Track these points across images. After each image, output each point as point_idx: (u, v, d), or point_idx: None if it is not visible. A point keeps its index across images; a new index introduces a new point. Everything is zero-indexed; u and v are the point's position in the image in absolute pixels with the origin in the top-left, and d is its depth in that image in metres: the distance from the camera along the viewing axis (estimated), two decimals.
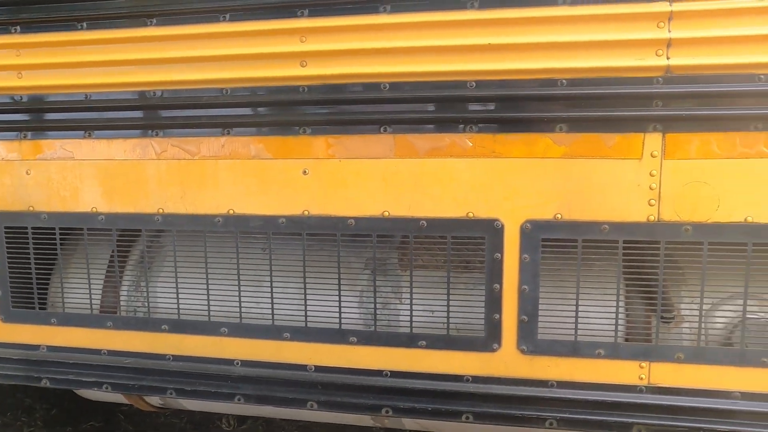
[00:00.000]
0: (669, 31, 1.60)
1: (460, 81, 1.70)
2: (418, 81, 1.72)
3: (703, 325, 1.71)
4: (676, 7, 1.58)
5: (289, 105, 1.82)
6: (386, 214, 1.79)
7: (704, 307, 1.70)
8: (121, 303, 2.05)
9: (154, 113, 1.91)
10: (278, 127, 1.85)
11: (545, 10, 1.63)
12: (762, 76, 1.57)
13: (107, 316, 2.05)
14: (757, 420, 1.69)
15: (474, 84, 1.69)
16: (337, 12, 1.74)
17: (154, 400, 2.32)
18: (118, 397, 2.33)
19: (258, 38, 1.81)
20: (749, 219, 1.63)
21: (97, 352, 2.07)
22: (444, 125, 1.72)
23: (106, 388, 2.07)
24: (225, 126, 1.87)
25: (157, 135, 1.92)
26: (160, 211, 1.95)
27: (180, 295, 1.98)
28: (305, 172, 1.84)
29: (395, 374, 1.85)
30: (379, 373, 1.86)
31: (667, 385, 1.73)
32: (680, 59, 1.60)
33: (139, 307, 2.06)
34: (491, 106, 1.70)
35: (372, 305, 1.86)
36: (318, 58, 1.77)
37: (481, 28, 1.66)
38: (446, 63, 1.69)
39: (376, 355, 1.86)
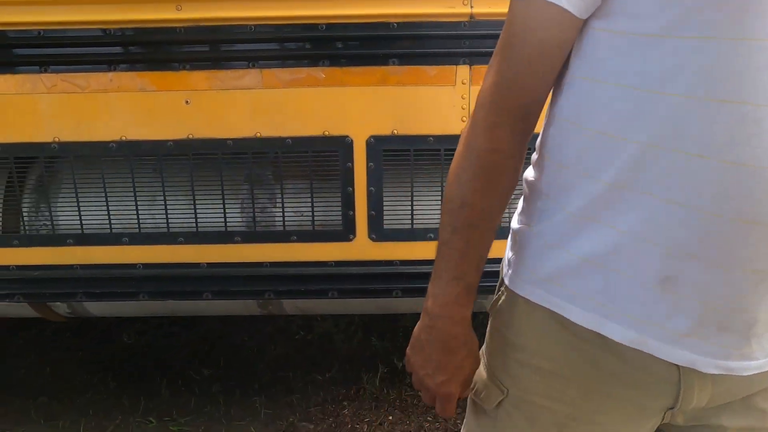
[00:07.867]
0: None
1: (313, 24, 2.09)
2: (278, 24, 2.09)
3: None
4: None
5: (167, 44, 2.12)
6: (258, 134, 2.18)
7: None
8: (25, 223, 2.30)
9: (41, 51, 2.13)
10: (160, 63, 2.15)
11: None
12: None
13: (13, 234, 2.30)
14: None
15: (324, 26, 2.09)
16: None
17: (62, 309, 2.62)
18: (25, 312, 2.60)
19: None
20: None
21: (6, 268, 2.33)
22: (301, 61, 2.12)
23: (18, 298, 2.35)
24: (110, 63, 2.14)
25: (45, 71, 2.15)
26: (56, 139, 2.20)
27: (82, 213, 2.27)
28: (187, 101, 2.17)
29: (273, 264, 2.30)
30: (260, 264, 2.30)
31: None
32: (480, 8, 2.09)
33: (41, 226, 2.33)
34: (338, 45, 2.11)
35: (252, 211, 2.28)
36: (191, 3, 2.07)
37: None
38: (299, 8, 2.07)
39: (257, 251, 2.29)
